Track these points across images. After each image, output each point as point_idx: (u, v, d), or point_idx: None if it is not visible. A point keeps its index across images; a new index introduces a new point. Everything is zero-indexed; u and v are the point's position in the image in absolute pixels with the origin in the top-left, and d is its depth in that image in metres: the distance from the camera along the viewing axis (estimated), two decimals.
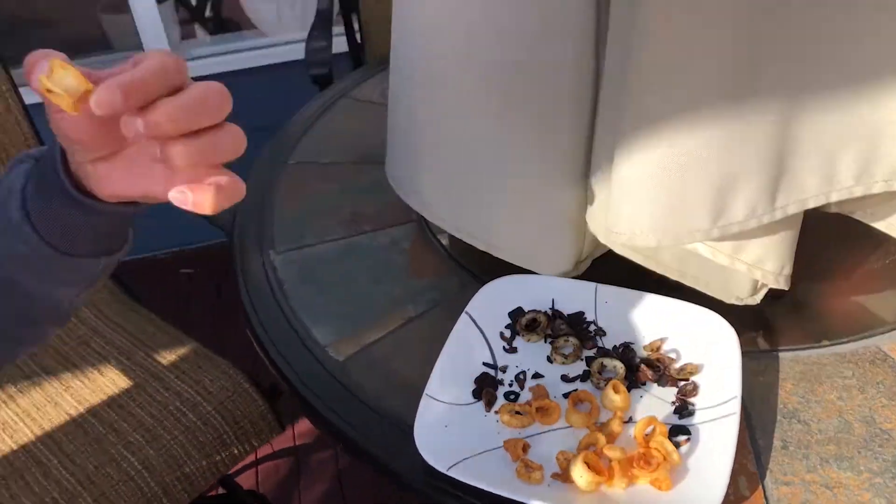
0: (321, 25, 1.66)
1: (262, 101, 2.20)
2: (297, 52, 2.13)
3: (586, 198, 0.79)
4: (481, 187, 0.81)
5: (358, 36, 1.87)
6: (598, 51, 0.73)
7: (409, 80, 0.85)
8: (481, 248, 0.85)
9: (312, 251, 0.95)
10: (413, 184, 0.89)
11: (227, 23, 2.54)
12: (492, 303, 0.80)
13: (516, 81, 0.76)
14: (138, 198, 0.50)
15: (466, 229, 0.85)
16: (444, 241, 0.94)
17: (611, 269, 0.83)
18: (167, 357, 1.22)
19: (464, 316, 0.79)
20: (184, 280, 2.25)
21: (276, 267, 0.92)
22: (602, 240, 0.79)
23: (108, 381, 1.19)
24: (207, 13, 2.53)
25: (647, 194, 0.71)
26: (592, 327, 0.79)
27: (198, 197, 0.44)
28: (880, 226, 0.91)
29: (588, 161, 0.78)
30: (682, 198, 0.70)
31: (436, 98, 0.82)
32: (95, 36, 2.32)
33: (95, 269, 0.55)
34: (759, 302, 0.80)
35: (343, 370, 0.79)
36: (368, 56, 1.83)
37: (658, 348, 0.77)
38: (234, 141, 0.45)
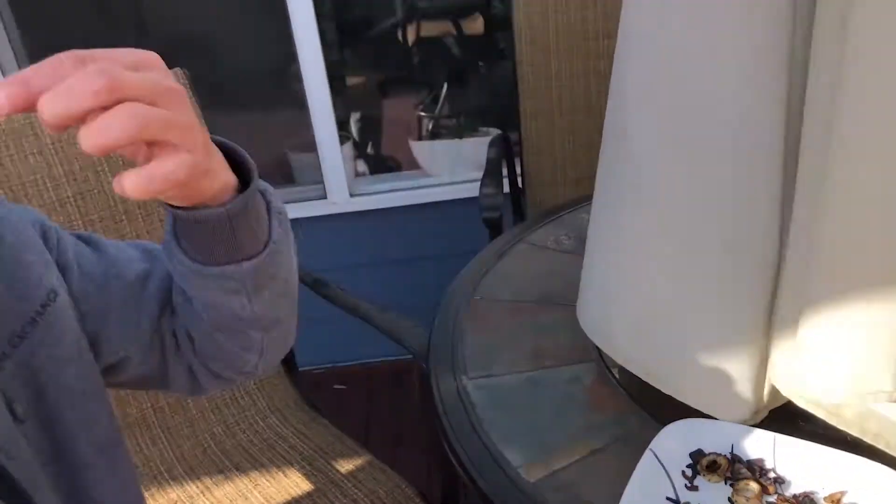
0: (491, 174, 1.84)
1: (429, 234, 2.41)
2: (457, 192, 2.36)
3: (769, 350, 0.86)
4: (669, 338, 0.90)
5: (519, 180, 2.05)
6: (783, 212, 0.82)
7: (605, 245, 0.97)
8: (667, 392, 0.93)
9: (500, 380, 1.05)
10: (605, 329, 0.99)
11: (388, 161, 2.81)
12: (674, 442, 0.87)
13: (703, 243, 0.86)
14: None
15: (655, 374, 0.93)
16: (622, 380, 1.02)
17: (788, 416, 0.89)
18: (345, 466, 1.33)
19: (648, 452, 0.86)
20: (338, 394, 2.41)
21: (469, 391, 1.03)
22: (784, 393, 0.85)
23: (292, 483, 1.31)
24: (369, 151, 2.81)
25: (833, 353, 0.78)
26: (772, 474, 0.84)
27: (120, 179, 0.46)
28: None
29: (772, 315, 0.85)
30: (869, 359, 0.76)
31: (627, 260, 0.93)
32: (282, 170, 2.63)
33: (245, 273, 0.62)
34: None
35: (535, 490, 0.87)
36: (529, 199, 2.00)
37: (838, 500, 0.80)
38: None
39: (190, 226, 0.59)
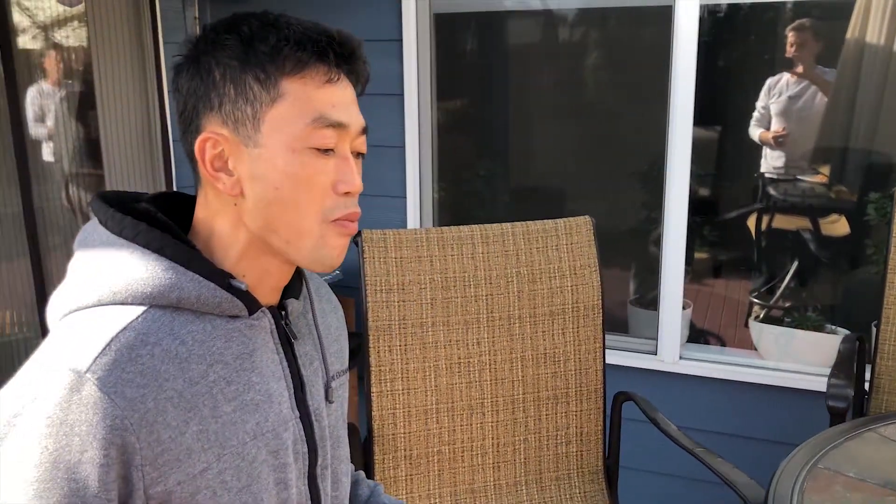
0: (842, 365, 1.87)
1: (754, 413, 2.44)
2: (787, 380, 2.37)
3: None
4: None
5: (867, 385, 2.04)
6: None
7: None
8: None
9: None
10: None
11: (712, 333, 2.89)
12: None
13: None
14: None
15: None
16: None
17: None
18: None
19: None
20: None
21: None
22: None
23: None
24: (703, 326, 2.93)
25: None
26: None
27: None
28: None
29: None
30: None
31: None
32: (619, 319, 2.85)
33: None
34: None
35: None
36: (873, 401, 1.97)
37: None
38: None
39: None
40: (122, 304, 0.72)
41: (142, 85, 2.81)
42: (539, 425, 1.71)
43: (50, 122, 2.78)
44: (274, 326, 0.82)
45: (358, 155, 0.81)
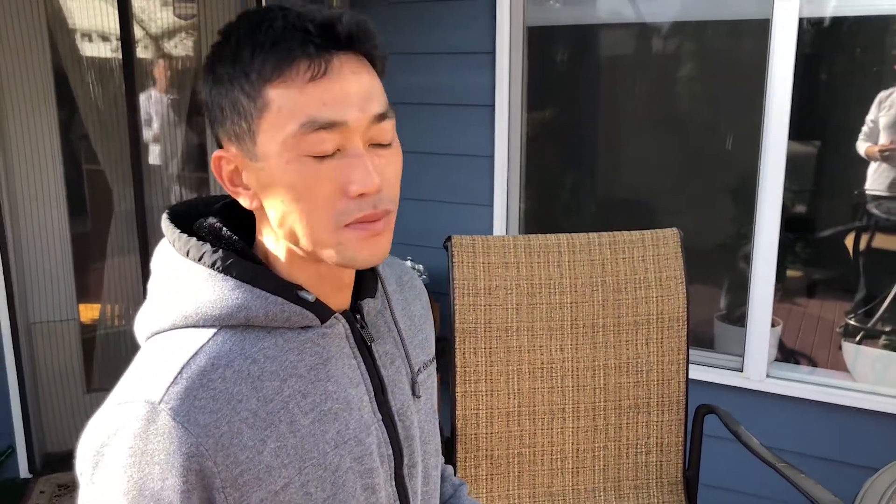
0: None
1: (845, 435, 2.37)
2: (879, 403, 2.30)
3: None
4: None
5: None
6: None
7: None
8: None
9: None
10: None
11: (803, 352, 2.82)
12: None
13: None
14: None
15: None
16: None
17: None
18: None
19: None
20: None
21: None
22: None
23: None
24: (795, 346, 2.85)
25: None
26: None
27: None
28: None
29: None
30: None
31: None
32: (704, 333, 2.82)
33: None
34: None
35: None
36: None
37: None
38: None
39: None
40: (194, 326, 0.73)
41: None
42: (619, 433, 1.73)
43: (159, 127, 2.97)
44: (349, 331, 0.81)
45: (379, 146, 0.73)
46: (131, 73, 2.77)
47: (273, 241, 0.76)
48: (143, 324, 0.77)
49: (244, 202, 0.75)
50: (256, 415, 0.71)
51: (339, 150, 0.70)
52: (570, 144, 3.08)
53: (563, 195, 3.06)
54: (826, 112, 2.94)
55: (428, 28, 2.73)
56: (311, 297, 0.76)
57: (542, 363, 1.70)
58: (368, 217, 0.71)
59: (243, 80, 0.68)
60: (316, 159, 0.69)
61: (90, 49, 2.81)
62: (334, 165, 0.70)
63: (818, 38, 2.66)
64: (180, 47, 2.96)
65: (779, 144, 2.34)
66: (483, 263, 1.68)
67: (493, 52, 2.66)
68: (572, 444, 1.72)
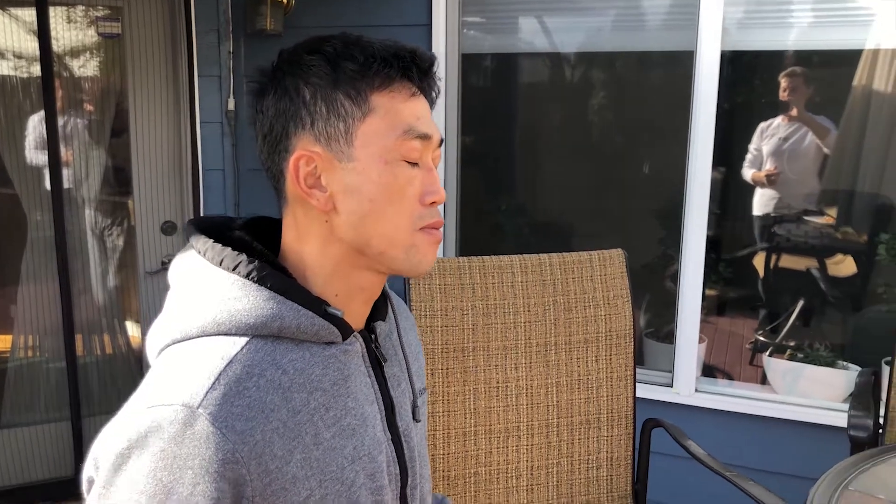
0: (862, 398, 1.95)
1: (767, 445, 2.50)
2: (799, 413, 2.44)
3: None
4: None
5: (882, 420, 2.11)
6: None
7: None
8: None
9: None
10: None
11: (720, 368, 2.96)
12: None
13: None
14: None
15: None
16: None
17: None
18: None
19: None
20: None
21: None
22: None
23: None
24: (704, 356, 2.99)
25: None
26: None
27: None
28: None
29: None
30: None
31: None
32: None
33: None
34: None
35: None
36: (888, 434, 2.04)
37: None
38: None
39: None
40: (226, 334, 0.73)
41: (175, 115, 2.89)
42: (571, 449, 1.77)
43: (79, 149, 2.86)
44: (365, 350, 0.84)
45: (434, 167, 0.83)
46: (52, 94, 2.66)
47: (319, 249, 0.79)
48: (162, 333, 0.77)
49: (315, 202, 0.78)
50: (286, 425, 0.72)
51: (418, 162, 0.79)
52: (505, 169, 3.16)
53: (498, 218, 3.12)
54: (742, 139, 3.12)
55: None
56: (339, 313, 0.78)
57: (498, 382, 1.72)
58: (438, 224, 0.80)
59: (349, 87, 0.76)
60: (408, 164, 0.78)
61: (5, 68, 2.68)
62: (419, 173, 0.79)
63: (734, 70, 2.83)
64: (103, 67, 2.87)
65: (704, 169, 2.47)
66: (439, 285, 1.70)
67: None
68: (527, 461, 1.75)
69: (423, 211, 0.79)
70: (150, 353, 0.78)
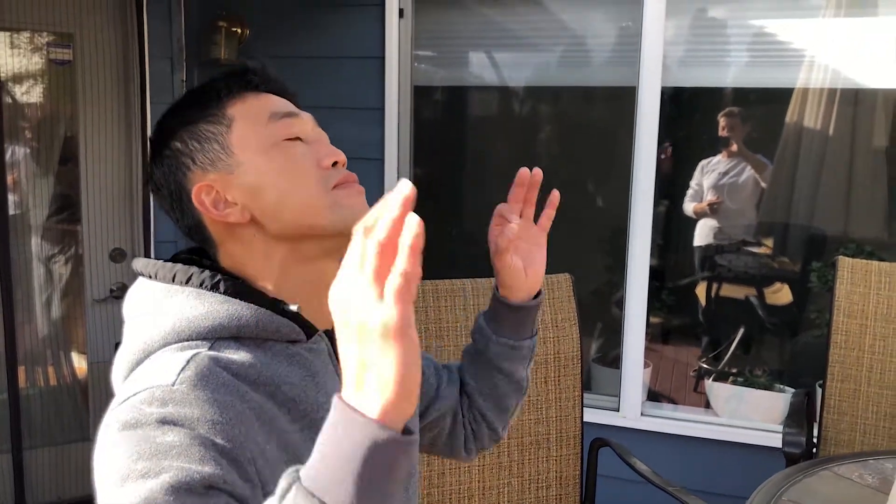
0: (795, 416, 2.04)
1: (711, 466, 2.57)
2: (740, 435, 2.52)
3: None
4: None
5: (815, 438, 2.20)
6: None
7: None
8: None
9: None
10: None
11: (664, 393, 3.05)
12: None
13: None
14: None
15: None
16: None
17: None
18: None
19: None
20: None
21: None
22: None
23: None
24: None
25: None
26: None
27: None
28: None
29: None
30: None
31: None
32: None
33: (531, 345, 0.99)
34: None
35: None
36: (821, 451, 2.13)
37: None
38: None
39: (513, 313, 0.98)
40: (187, 340, 0.74)
41: (127, 142, 2.89)
42: (522, 469, 1.81)
43: (26, 176, 2.83)
44: (331, 350, 0.83)
45: None
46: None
47: (263, 258, 0.81)
48: (127, 356, 0.77)
49: (234, 219, 0.80)
50: (262, 408, 0.73)
51: (300, 139, 0.83)
52: (455, 197, 3.22)
53: (450, 244, 3.17)
54: (682, 172, 3.25)
55: (320, 83, 2.80)
56: (295, 307, 0.79)
57: None
58: (349, 178, 0.83)
59: (206, 115, 0.82)
60: (290, 141, 0.82)
61: None
62: (305, 147, 0.83)
63: (674, 105, 2.96)
64: (54, 93, 2.85)
65: (646, 201, 2.56)
66: None
67: (382, 109, 2.77)
68: (479, 481, 1.78)
69: (327, 173, 0.82)
70: (117, 380, 0.78)
